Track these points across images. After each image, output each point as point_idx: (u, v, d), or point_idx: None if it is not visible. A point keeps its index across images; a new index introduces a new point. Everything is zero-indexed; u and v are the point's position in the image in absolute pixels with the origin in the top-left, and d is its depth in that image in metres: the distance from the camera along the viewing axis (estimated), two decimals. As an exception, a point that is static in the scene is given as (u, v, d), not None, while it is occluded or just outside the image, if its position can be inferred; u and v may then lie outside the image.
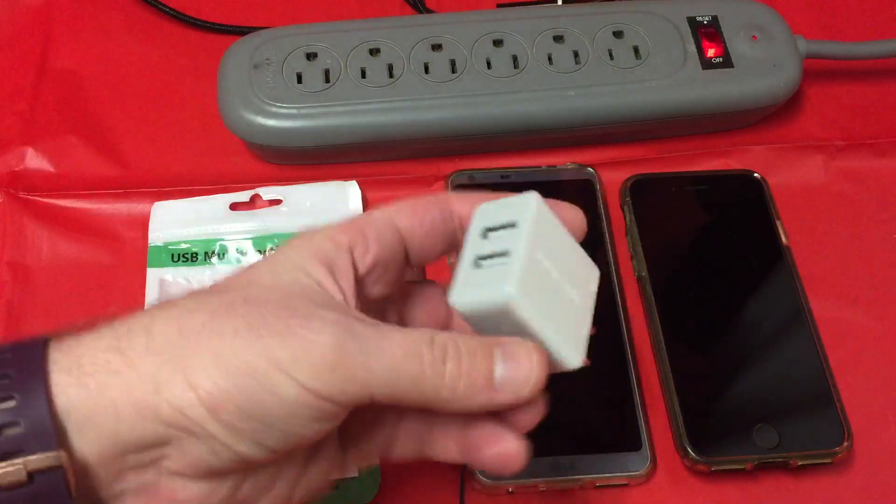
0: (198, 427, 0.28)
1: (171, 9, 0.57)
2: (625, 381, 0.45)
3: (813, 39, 0.54)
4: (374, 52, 0.52)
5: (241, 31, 0.56)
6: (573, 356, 0.31)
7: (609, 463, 0.43)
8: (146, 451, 0.28)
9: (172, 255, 0.49)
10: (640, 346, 0.47)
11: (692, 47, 0.53)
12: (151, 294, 0.48)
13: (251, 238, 0.49)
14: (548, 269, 0.31)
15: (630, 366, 0.46)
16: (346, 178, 0.51)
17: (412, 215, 0.34)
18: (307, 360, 0.28)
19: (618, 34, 0.53)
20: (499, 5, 0.58)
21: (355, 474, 0.43)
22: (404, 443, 0.34)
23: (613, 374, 0.45)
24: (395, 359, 0.29)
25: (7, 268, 0.49)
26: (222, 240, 0.49)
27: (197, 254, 0.49)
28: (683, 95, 0.52)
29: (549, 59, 0.52)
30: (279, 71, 0.51)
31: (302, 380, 0.28)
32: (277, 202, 0.50)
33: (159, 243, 0.49)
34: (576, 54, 0.52)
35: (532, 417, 0.32)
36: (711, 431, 0.44)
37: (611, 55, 0.53)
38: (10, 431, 0.27)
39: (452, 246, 0.35)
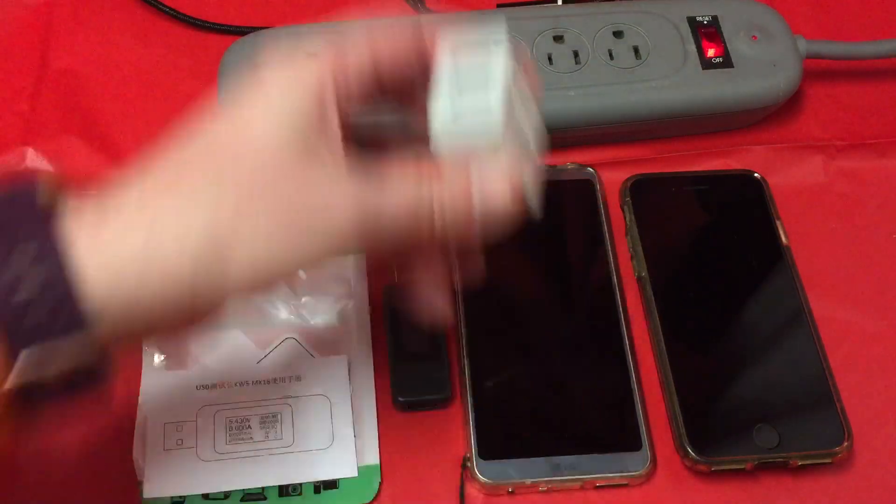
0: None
1: (171, 9, 0.58)
2: (625, 381, 0.45)
3: (813, 39, 0.54)
4: (374, 52, 0.52)
5: (241, 32, 0.56)
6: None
7: (609, 463, 0.43)
8: None
9: (172, 255, 0.49)
10: (640, 346, 0.47)
11: (692, 47, 0.53)
12: (151, 294, 0.48)
13: (251, 238, 0.49)
14: (516, 106, 0.34)
15: (630, 366, 0.46)
16: (346, 178, 0.51)
17: (384, 39, 0.34)
18: (337, 252, 0.32)
19: (618, 34, 0.53)
20: (499, 5, 0.58)
21: (355, 474, 0.43)
22: None
23: (613, 374, 0.45)
24: (399, 229, 0.33)
25: (7, 268, 0.49)
26: (222, 240, 0.49)
27: (197, 254, 0.49)
28: (683, 95, 0.52)
29: (549, 58, 0.52)
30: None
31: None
32: (277, 202, 0.50)
33: (159, 243, 0.49)
34: (576, 54, 0.53)
35: None
36: (711, 431, 0.44)
37: (611, 55, 0.53)
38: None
39: (424, 71, 0.35)
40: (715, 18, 0.54)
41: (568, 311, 0.48)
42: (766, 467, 0.43)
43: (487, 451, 0.43)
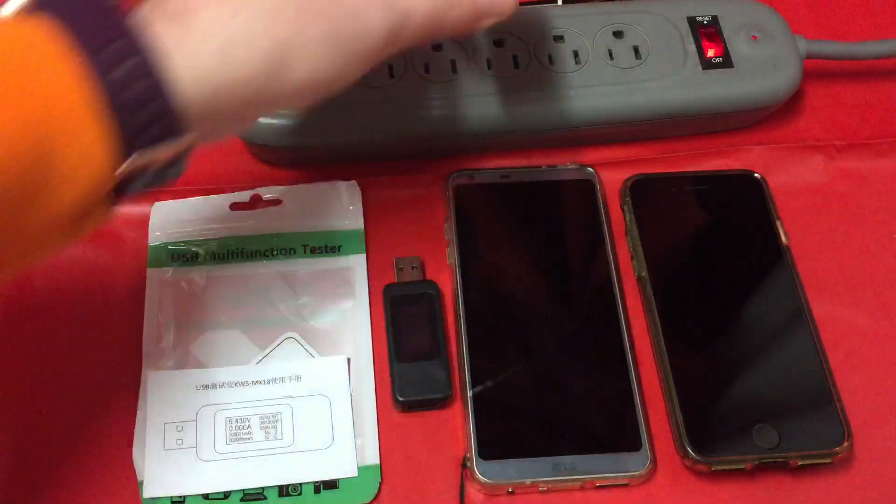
0: None
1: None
2: (625, 381, 0.45)
3: (813, 39, 0.54)
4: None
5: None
6: None
7: (609, 463, 0.43)
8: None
9: (172, 255, 0.49)
10: (640, 346, 0.47)
11: (692, 47, 0.53)
12: (152, 294, 0.48)
13: (251, 238, 0.49)
14: None
15: (630, 366, 0.46)
16: (346, 178, 0.51)
17: None
18: (373, 56, 0.37)
19: (618, 34, 0.53)
20: (499, 5, 0.58)
21: (355, 474, 0.43)
22: None
23: (613, 374, 0.45)
24: (421, 27, 0.38)
25: (7, 268, 0.49)
26: (223, 240, 0.49)
27: (197, 254, 0.49)
28: (683, 95, 0.52)
29: (550, 58, 0.52)
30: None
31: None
32: (277, 202, 0.51)
33: (159, 243, 0.49)
34: (575, 54, 0.53)
35: None
36: (711, 431, 0.44)
37: (611, 55, 0.53)
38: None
39: None
40: (715, 18, 0.54)
41: (568, 311, 0.48)
42: (765, 467, 0.43)
43: (487, 451, 0.43)
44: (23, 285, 0.48)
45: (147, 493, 0.43)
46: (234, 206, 0.50)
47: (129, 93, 0.31)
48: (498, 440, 0.43)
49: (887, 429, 0.45)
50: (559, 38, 0.53)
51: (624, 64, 0.52)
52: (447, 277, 0.49)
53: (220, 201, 0.50)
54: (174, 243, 0.49)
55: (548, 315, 0.48)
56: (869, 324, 0.48)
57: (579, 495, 0.43)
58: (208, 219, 0.50)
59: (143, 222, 0.50)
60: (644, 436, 0.44)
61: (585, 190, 0.51)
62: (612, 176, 0.52)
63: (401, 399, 0.45)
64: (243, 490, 0.43)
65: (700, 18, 0.54)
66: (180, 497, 0.43)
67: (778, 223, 0.50)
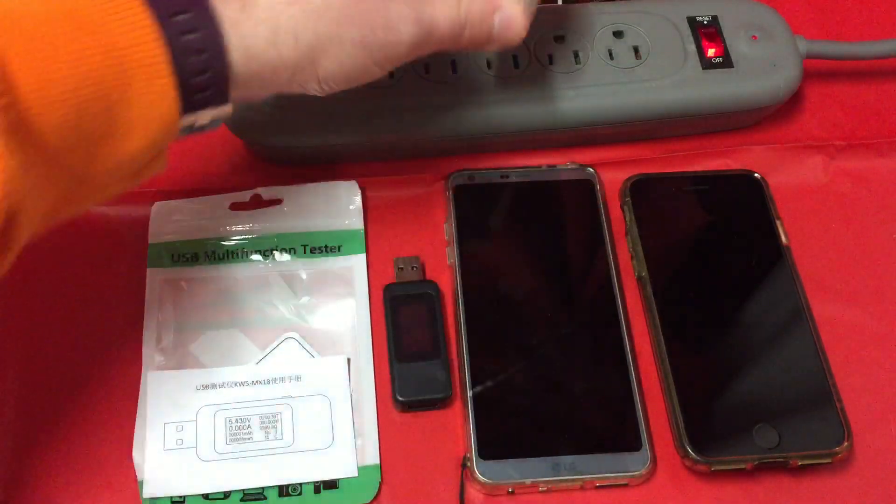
0: None
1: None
2: (625, 381, 0.45)
3: (813, 39, 0.54)
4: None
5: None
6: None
7: (609, 463, 0.43)
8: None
9: (172, 255, 0.49)
10: (640, 346, 0.47)
11: (692, 47, 0.53)
12: (152, 294, 0.48)
13: (251, 238, 0.49)
14: None
15: (630, 366, 0.46)
16: (346, 178, 0.51)
17: None
18: (396, 62, 0.41)
19: (618, 34, 0.53)
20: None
21: (355, 474, 0.43)
22: None
23: (613, 374, 0.45)
24: (443, 40, 0.42)
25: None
26: (222, 240, 0.49)
27: (197, 254, 0.49)
28: (683, 95, 0.52)
29: (550, 58, 0.52)
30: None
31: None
32: (277, 202, 0.51)
33: (159, 243, 0.49)
34: (576, 54, 0.53)
35: None
36: (711, 431, 0.44)
37: (611, 55, 0.53)
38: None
39: None
40: (715, 18, 0.54)
41: (568, 311, 0.48)
42: (765, 467, 0.43)
43: (487, 451, 0.43)
44: (22, 284, 0.48)
45: (147, 493, 0.43)
46: (234, 206, 0.50)
47: (192, 59, 0.35)
48: (498, 440, 0.43)
49: (887, 429, 0.45)
50: (559, 39, 0.53)
51: (624, 64, 0.52)
52: (447, 277, 0.49)
53: (220, 201, 0.50)
54: (174, 243, 0.49)
55: (548, 315, 0.48)
56: (869, 324, 0.48)
57: (579, 495, 0.43)
58: (208, 219, 0.50)
59: (143, 222, 0.50)
60: (644, 436, 0.44)
61: (585, 190, 0.51)
62: (612, 176, 0.52)
63: (401, 399, 0.45)
64: (243, 490, 0.43)
65: (700, 18, 0.54)
66: (180, 497, 0.43)
67: (778, 223, 0.50)
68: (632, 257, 0.49)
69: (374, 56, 0.40)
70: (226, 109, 0.38)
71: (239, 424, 0.44)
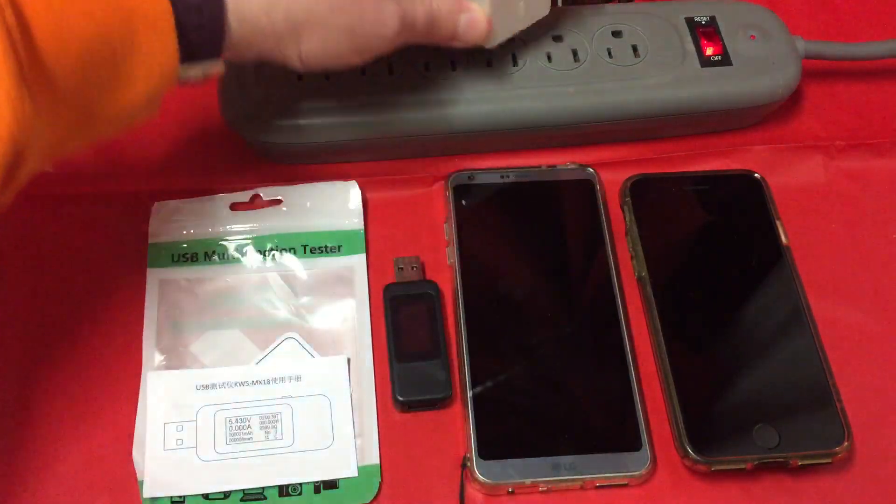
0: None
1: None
2: (625, 381, 0.45)
3: (811, 40, 0.54)
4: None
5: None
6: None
7: (609, 463, 0.43)
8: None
9: (172, 255, 0.49)
10: (640, 346, 0.47)
11: (690, 46, 0.53)
12: (152, 294, 0.48)
13: (251, 238, 0.49)
14: None
15: (630, 366, 0.46)
16: (346, 178, 0.51)
17: None
18: (379, 52, 0.45)
19: (616, 34, 0.54)
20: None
21: (355, 474, 0.43)
22: None
23: (613, 374, 0.45)
24: (421, 34, 0.46)
25: (7, 267, 0.49)
26: (223, 240, 0.49)
27: (197, 254, 0.49)
28: (682, 93, 0.52)
29: (549, 57, 0.52)
30: (280, 69, 0.51)
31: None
32: (277, 202, 0.51)
33: (159, 243, 0.49)
34: (574, 53, 0.53)
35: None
36: (711, 431, 0.44)
37: (609, 54, 0.53)
38: None
39: None
40: (713, 19, 0.54)
41: (568, 312, 0.48)
42: (765, 467, 0.43)
43: (487, 451, 0.43)
44: (22, 284, 0.48)
45: (147, 493, 0.43)
46: (234, 206, 0.50)
47: (192, 17, 0.38)
48: (498, 440, 0.43)
49: (887, 429, 0.45)
50: (558, 38, 0.53)
51: (623, 62, 0.52)
52: (447, 277, 0.49)
53: (220, 201, 0.50)
54: (174, 243, 0.49)
55: (548, 315, 0.48)
56: (869, 324, 0.48)
57: (579, 495, 0.43)
58: (208, 219, 0.50)
59: (143, 222, 0.50)
60: (644, 436, 0.44)
61: (585, 190, 0.51)
62: (612, 176, 0.52)
63: (401, 399, 0.45)
64: (243, 490, 0.43)
65: (698, 19, 0.54)
66: (180, 497, 0.43)
67: (778, 223, 0.50)
68: (632, 257, 0.49)
69: (358, 44, 0.43)
70: (217, 65, 0.41)
71: (239, 424, 0.44)
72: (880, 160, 0.54)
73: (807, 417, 0.44)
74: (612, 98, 0.52)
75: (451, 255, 0.49)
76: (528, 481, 0.43)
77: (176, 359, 0.46)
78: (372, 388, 0.46)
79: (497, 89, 0.51)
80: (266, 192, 0.51)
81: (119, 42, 0.36)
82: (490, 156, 0.53)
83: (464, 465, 0.43)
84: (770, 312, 0.47)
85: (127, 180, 0.52)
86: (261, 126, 0.50)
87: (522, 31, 0.52)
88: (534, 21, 0.51)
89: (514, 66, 0.52)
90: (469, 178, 0.51)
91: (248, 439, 0.44)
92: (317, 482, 0.43)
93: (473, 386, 0.45)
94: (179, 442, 0.44)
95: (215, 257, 0.49)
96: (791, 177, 0.53)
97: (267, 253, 0.49)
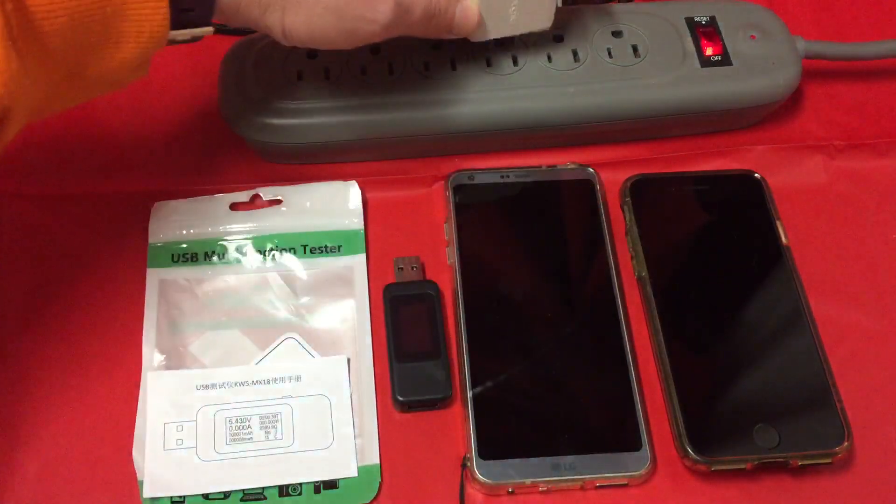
0: None
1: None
2: (625, 381, 0.45)
3: (812, 40, 0.54)
4: (374, 49, 0.52)
5: (241, 32, 0.56)
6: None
7: (609, 463, 0.43)
8: None
9: (172, 255, 0.49)
10: (640, 346, 0.47)
11: (691, 46, 0.53)
12: (152, 294, 0.48)
13: (251, 238, 0.49)
14: None
15: (630, 366, 0.46)
16: (346, 178, 0.51)
17: None
18: (370, 38, 0.44)
19: (616, 34, 0.54)
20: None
21: (355, 474, 0.43)
22: None
23: (613, 374, 0.45)
24: (415, 23, 0.45)
25: (7, 267, 0.49)
26: (222, 240, 0.49)
27: (197, 254, 0.49)
28: (682, 93, 0.52)
29: (549, 57, 0.52)
30: (280, 68, 0.51)
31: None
32: (277, 202, 0.51)
33: (159, 243, 0.49)
34: (574, 53, 0.53)
35: None
36: (711, 431, 0.44)
37: (609, 54, 0.53)
38: None
39: None
40: (713, 19, 0.54)
41: (568, 312, 0.48)
42: (766, 467, 0.43)
43: (487, 451, 0.43)
44: (22, 284, 0.48)
45: (147, 493, 0.43)
46: (234, 206, 0.50)
47: None
48: (498, 440, 0.43)
49: (887, 429, 0.45)
50: (558, 38, 0.53)
51: (623, 62, 0.52)
52: (447, 277, 0.49)
53: (220, 201, 0.50)
54: (174, 243, 0.49)
55: (548, 315, 0.48)
56: (869, 324, 0.48)
57: (579, 495, 0.43)
58: (208, 219, 0.50)
59: (143, 222, 0.50)
60: (644, 436, 0.44)
61: (585, 190, 0.51)
62: (612, 176, 0.52)
63: (401, 399, 0.45)
64: (243, 490, 0.43)
65: (698, 19, 0.54)
66: (180, 497, 0.43)
67: (778, 223, 0.50)
68: (632, 257, 0.49)
69: (345, 26, 0.43)
70: (206, 30, 0.41)
71: (239, 424, 0.44)
72: (880, 160, 0.54)
73: (807, 417, 0.44)
74: (612, 98, 0.52)
75: (451, 255, 0.49)
76: (528, 481, 0.43)
77: (176, 359, 0.46)
78: (372, 388, 0.46)
79: (497, 89, 0.51)
80: (266, 192, 0.51)
81: (110, 4, 0.37)
82: (490, 156, 0.53)
83: (464, 465, 0.43)
84: (770, 312, 0.47)
85: (127, 180, 0.52)
86: (261, 126, 0.50)
87: (524, 34, 0.52)
88: (530, 31, 0.50)
89: (514, 66, 0.52)
90: (469, 178, 0.51)
91: (248, 439, 0.44)
92: (317, 482, 0.43)
93: (473, 386, 0.45)
94: (179, 442, 0.44)
95: (215, 257, 0.49)
96: (791, 177, 0.53)
97: (267, 253, 0.49)
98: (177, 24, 0.39)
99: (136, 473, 0.43)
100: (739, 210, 0.51)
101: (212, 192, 0.51)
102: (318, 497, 0.43)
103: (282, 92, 0.51)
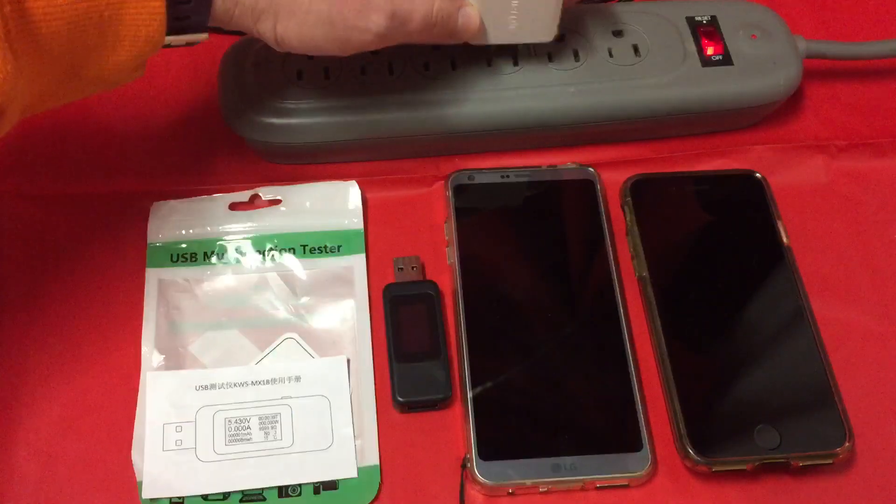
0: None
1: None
2: (625, 381, 0.45)
3: (812, 39, 0.54)
4: (374, 50, 0.52)
5: (241, 32, 0.56)
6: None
7: (609, 464, 0.43)
8: None
9: (172, 255, 0.49)
10: (640, 346, 0.47)
11: (691, 46, 0.53)
12: (151, 294, 0.47)
13: (251, 238, 0.49)
14: None
15: (630, 366, 0.46)
16: (346, 178, 0.51)
17: None
18: (364, 47, 0.44)
19: (617, 33, 0.53)
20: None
21: (355, 475, 0.43)
22: None
23: (613, 374, 0.45)
24: (413, 32, 0.45)
25: (7, 267, 0.48)
26: (222, 240, 0.49)
27: (196, 254, 0.49)
28: (683, 92, 0.52)
29: (549, 57, 0.52)
30: (279, 68, 0.51)
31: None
32: (277, 202, 0.50)
33: (159, 243, 0.49)
34: (575, 53, 0.52)
35: None
36: (712, 432, 0.43)
37: (610, 53, 0.53)
38: None
39: None
40: (714, 18, 0.54)
41: (568, 312, 0.48)
42: (766, 468, 0.43)
43: (487, 451, 0.43)
44: (22, 284, 0.48)
45: (146, 493, 0.42)
46: (234, 206, 0.50)
47: None
48: (498, 441, 0.43)
49: (888, 429, 0.45)
50: (558, 38, 0.53)
51: (623, 62, 0.52)
52: (447, 277, 0.49)
53: (220, 201, 0.50)
54: (174, 243, 0.49)
55: (548, 315, 0.48)
56: (869, 324, 0.48)
57: (579, 496, 0.43)
58: (207, 219, 0.50)
59: (143, 222, 0.49)
60: (644, 436, 0.44)
61: (585, 190, 0.51)
62: (612, 176, 0.52)
63: (401, 399, 0.45)
64: (242, 491, 0.43)
65: (699, 18, 0.54)
66: (179, 498, 0.43)
67: (779, 223, 0.50)
68: (632, 257, 0.49)
69: (337, 36, 0.43)
70: (202, 36, 0.41)
71: (238, 425, 0.44)
72: (881, 160, 0.54)
73: (808, 418, 0.44)
74: (612, 98, 0.52)
75: (451, 255, 0.49)
76: (528, 482, 0.42)
77: (175, 359, 0.46)
78: (372, 388, 0.46)
79: (497, 89, 0.51)
80: (265, 192, 0.51)
81: (107, 8, 0.37)
82: (490, 156, 0.53)
83: (464, 466, 0.43)
84: (771, 312, 0.47)
85: (126, 180, 0.52)
86: (261, 126, 0.50)
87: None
88: (531, 41, 0.50)
89: (514, 66, 0.52)
90: (469, 178, 0.51)
91: (248, 440, 0.44)
92: (316, 483, 0.43)
93: (473, 386, 0.45)
94: (178, 442, 0.44)
95: (214, 257, 0.49)
96: (792, 177, 0.53)
97: (266, 253, 0.49)
98: (173, 29, 0.40)
99: (135, 474, 0.43)
100: (740, 210, 0.51)
101: (211, 192, 0.51)
102: (317, 498, 0.43)
103: (281, 92, 0.51)
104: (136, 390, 0.45)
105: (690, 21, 0.54)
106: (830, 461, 0.43)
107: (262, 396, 0.45)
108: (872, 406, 0.45)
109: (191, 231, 0.49)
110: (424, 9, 0.44)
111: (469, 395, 0.44)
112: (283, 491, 0.43)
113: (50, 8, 0.36)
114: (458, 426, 0.45)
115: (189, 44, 0.41)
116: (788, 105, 0.55)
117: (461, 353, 0.46)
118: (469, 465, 0.43)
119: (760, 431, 0.43)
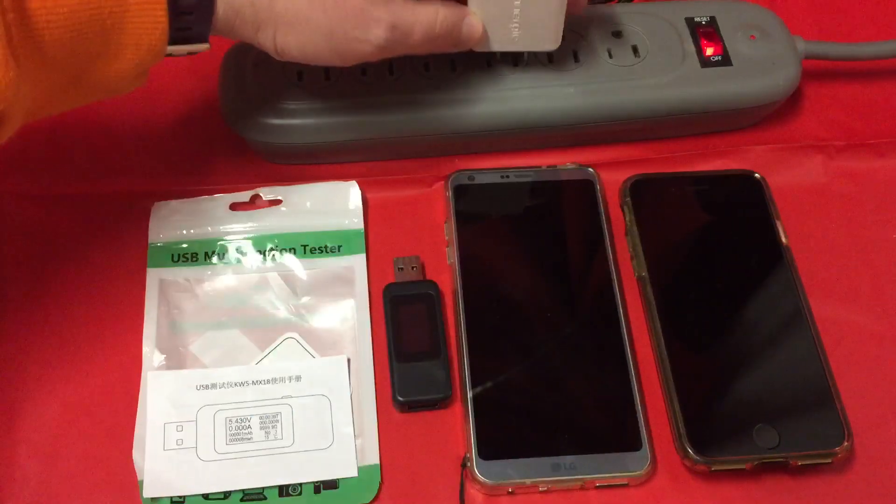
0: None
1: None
2: (624, 380, 0.45)
3: (811, 40, 0.54)
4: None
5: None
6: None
7: (609, 463, 0.43)
8: None
9: (172, 255, 0.49)
10: (640, 346, 0.47)
11: (691, 46, 0.53)
12: (152, 294, 0.48)
13: (251, 238, 0.49)
14: None
15: (630, 366, 0.46)
16: (346, 178, 0.51)
17: None
18: (363, 58, 0.44)
19: (616, 34, 0.54)
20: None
21: (355, 474, 0.43)
22: None
23: (613, 374, 0.45)
24: (414, 44, 0.45)
25: (8, 267, 0.49)
26: (222, 240, 0.49)
27: (197, 254, 0.49)
28: (682, 93, 0.52)
29: (549, 57, 0.52)
30: (280, 69, 0.51)
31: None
32: (277, 202, 0.51)
33: (159, 243, 0.49)
34: (575, 54, 0.53)
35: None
36: (711, 431, 0.44)
37: (610, 54, 0.53)
38: None
39: None
40: (713, 19, 0.54)
41: (568, 312, 0.48)
42: (766, 467, 0.43)
43: (487, 451, 0.43)
44: (22, 284, 0.48)
45: (147, 493, 0.43)
46: (234, 206, 0.50)
47: (186, 3, 0.39)
48: (498, 440, 0.43)
49: (887, 429, 0.45)
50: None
51: (623, 62, 0.52)
52: (447, 277, 0.49)
53: (220, 201, 0.50)
54: (174, 243, 0.49)
55: (548, 315, 0.48)
56: (869, 324, 0.48)
57: (579, 495, 0.43)
58: (208, 219, 0.50)
59: (143, 222, 0.50)
60: (644, 436, 0.44)
61: (585, 190, 0.51)
62: (612, 176, 0.52)
63: (401, 399, 0.45)
64: (243, 490, 0.43)
65: (698, 19, 0.54)
66: (180, 497, 0.43)
67: (778, 223, 0.50)
68: (632, 257, 0.49)
69: (337, 47, 0.43)
70: (203, 46, 0.42)
71: (239, 424, 0.44)
72: (880, 160, 0.54)
73: (807, 417, 0.44)
74: (612, 98, 0.52)
75: (451, 255, 0.49)
76: (528, 481, 0.43)
77: (176, 359, 0.46)
78: (372, 388, 0.46)
79: (497, 89, 0.51)
80: (266, 192, 0.51)
81: (109, 17, 0.37)
82: (490, 156, 0.53)
83: (464, 465, 0.43)
84: (770, 312, 0.47)
85: (127, 180, 0.52)
86: (261, 126, 0.50)
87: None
88: (534, 49, 0.50)
89: (514, 66, 0.52)
90: (469, 178, 0.51)
91: (248, 439, 0.44)
92: (317, 482, 0.43)
93: (473, 386, 0.45)
94: (179, 442, 0.44)
95: (215, 257, 0.49)
96: (791, 177, 0.53)
97: (267, 253, 0.49)
98: (175, 39, 0.40)
99: (136, 473, 0.43)
100: (739, 210, 0.51)
101: (212, 192, 0.51)
102: (317, 497, 0.43)
103: (282, 92, 0.51)
104: (137, 390, 0.45)
105: (690, 22, 0.54)
106: (829, 461, 0.43)
107: (263, 396, 0.45)
108: (871, 405, 0.45)
109: (192, 231, 0.49)
110: (427, 21, 0.44)
111: (469, 394, 0.44)
112: (283, 490, 0.43)
113: (52, 15, 0.36)
114: (458, 426, 0.45)
115: (191, 53, 0.42)
116: (787, 105, 0.55)
117: (461, 353, 0.46)
118: (469, 464, 0.43)
119: (759, 431, 0.43)
